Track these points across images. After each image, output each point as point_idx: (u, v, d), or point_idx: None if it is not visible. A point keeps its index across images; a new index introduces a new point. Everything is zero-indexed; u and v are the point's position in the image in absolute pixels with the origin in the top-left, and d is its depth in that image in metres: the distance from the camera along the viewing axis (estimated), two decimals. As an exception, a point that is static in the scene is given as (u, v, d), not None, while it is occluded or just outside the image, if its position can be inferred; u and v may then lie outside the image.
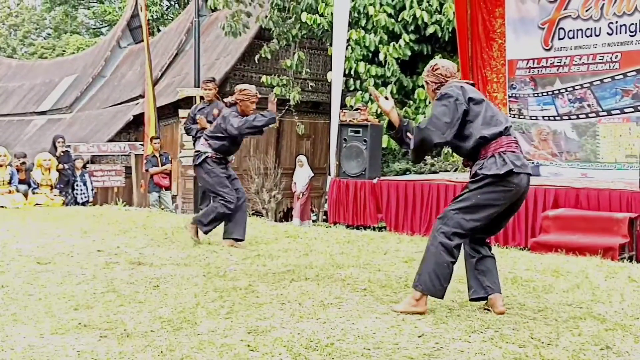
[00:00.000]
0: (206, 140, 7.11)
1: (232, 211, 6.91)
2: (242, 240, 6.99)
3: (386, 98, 4.55)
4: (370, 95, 14.99)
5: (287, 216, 20.11)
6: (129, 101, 23.35)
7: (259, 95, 7.12)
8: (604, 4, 10.17)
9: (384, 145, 13.90)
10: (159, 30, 31.12)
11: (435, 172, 13.83)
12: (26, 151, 15.47)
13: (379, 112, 14.16)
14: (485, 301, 4.36)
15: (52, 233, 7.63)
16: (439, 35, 14.42)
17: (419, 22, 14.32)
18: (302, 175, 17.26)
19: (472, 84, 4.55)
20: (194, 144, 10.28)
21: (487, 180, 4.18)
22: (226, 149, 7.08)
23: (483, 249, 4.44)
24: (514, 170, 4.16)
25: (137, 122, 21.97)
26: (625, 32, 9.98)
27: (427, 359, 3.38)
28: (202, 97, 10.57)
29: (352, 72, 14.98)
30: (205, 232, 7.01)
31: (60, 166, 13.26)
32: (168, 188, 14.63)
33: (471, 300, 4.42)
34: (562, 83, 10.67)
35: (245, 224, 7.08)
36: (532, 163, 10.70)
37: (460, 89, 4.30)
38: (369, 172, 10.71)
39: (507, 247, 7.89)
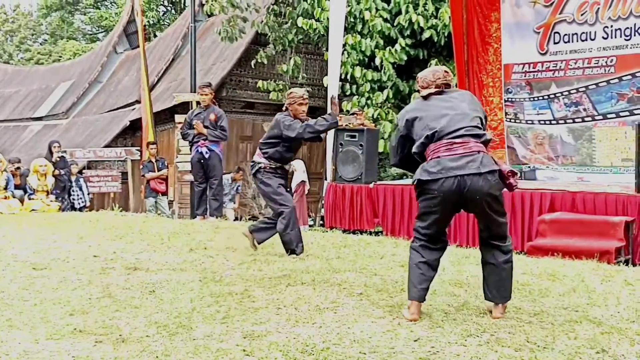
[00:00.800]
0: (260, 149, 6.81)
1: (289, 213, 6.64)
2: (256, 245, 6.83)
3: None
4: (367, 100, 15.01)
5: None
6: (126, 107, 23.35)
7: (306, 97, 6.76)
8: (599, 8, 10.19)
9: (381, 149, 13.89)
10: (155, 36, 31.13)
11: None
12: (22, 157, 15.50)
13: (375, 116, 14.18)
14: None
15: (48, 239, 7.61)
16: (435, 39, 14.42)
17: (415, 27, 14.32)
18: (293, 179, 17.36)
19: (441, 92, 4.49)
20: (190, 149, 10.30)
21: (418, 190, 4.31)
22: (280, 156, 6.76)
23: (487, 254, 4.38)
24: (422, 178, 4.21)
25: (134, 127, 21.97)
26: (621, 36, 10.00)
27: (423, 363, 3.38)
28: (198, 102, 10.57)
29: (348, 77, 14.97)
30: (292, 253, 6.64)
31: (57, 172, 13.26)
32: (165, 193, 14.64)
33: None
34: (558, 87, 10.68)
35: (271, 235, 6.82)
36: (529, 167, 10.72)
37: (407, 111, 4.50)
38: (366, 177, 10.70)
39: (503, 251, 7.88)
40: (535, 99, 10.99)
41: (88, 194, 14.72)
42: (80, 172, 15.64)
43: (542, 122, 10.92)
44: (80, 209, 13.71)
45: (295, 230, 6.67)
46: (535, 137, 11.06)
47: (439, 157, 4.20)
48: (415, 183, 4.29)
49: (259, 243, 6.84)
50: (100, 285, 5.13)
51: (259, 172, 6.75)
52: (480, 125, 4.33)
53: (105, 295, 4.81)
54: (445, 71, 4.60)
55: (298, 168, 17.52)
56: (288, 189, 6.92)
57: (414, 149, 4.37)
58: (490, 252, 4.36)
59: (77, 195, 14.37)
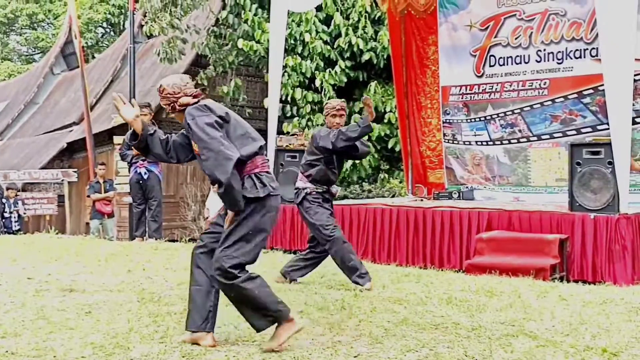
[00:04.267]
0: (302, 173, 6.41)
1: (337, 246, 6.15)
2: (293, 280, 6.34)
3: (132, 105, 4.31)
4: (307, 121, 15.06)
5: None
6: (63, 128, 22.91)
7: (340, 107, 6.36)
8: (532, 32, 10.45)
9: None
10: (93, 57, 30.75)
11: (371, 197, 13.93)
12: (-45, 179, 15.07)
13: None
14: None
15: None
16: (375, 62, 14.61)
17: (355, 49, 14.49)
18: (217, 200, 17.46)
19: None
20: (129, 170, 10.16)
21: (252, 205, 3.98)
22: (324, 176, 6.31)
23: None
24: (271, 193, 4.03)
25: (71, 149, 21.56)
26: (553, 60, 10.26)
27: (363, 378, 3.38)
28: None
29: (289, 99, 15.04)
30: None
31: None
32: (111, 215, 14.40)
33: None
34: (494, 109, 10.89)
35: (310, 272, 6.50)
36: (466, 187, 10.88)
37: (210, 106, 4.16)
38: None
39: (442, 270, 7.99)
40: (472, 120, 11.18)
41: (23, 216, 14.34)
42: (15, 194, 15.28)
43: (479, 142, 11.12)
44: (15, 232, 13.37)
45: (352, 259, 6.16)
46: (472, 157, 11.24)
47: (268, 172, 4.14)
48: (263, 196, 4.00)
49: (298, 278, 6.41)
50: (35, 307, 5.00)
51: (305, 200, 6.30)
52: None
53: (39, 317, 4.69)
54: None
55: None
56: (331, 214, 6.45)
57: (245, 155, 4.01)
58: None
59: (13, 217, 14.03)
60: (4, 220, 13.77)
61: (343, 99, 6.55)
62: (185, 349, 3.88)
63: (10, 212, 14.19)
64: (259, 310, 3.95)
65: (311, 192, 6.30)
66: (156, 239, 9.73)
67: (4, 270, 6.68)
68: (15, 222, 14.10)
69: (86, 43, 31.76)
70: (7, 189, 14.30)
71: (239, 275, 3.89)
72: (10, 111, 25.99)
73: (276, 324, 3.96)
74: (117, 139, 14.14)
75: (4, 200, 14.07)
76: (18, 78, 30.29)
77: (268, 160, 4.18)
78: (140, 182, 9.82)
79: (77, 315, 4.78)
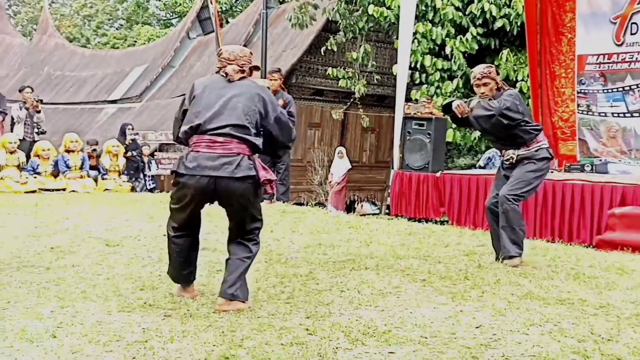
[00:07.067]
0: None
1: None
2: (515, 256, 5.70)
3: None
4: (436, 89, 14.92)
5: (349, 207, 20.21)
6: (197, 91, 23.62)
7: (479, 76, 5.72)
8: (680, -3, 9.91)
9: (449, 139, 13.82)
10: (227, 22, 31.46)
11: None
12: (97, 138, 15.93)
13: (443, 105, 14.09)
14: None
15: (120, 217, 7.85)
16: (507, 29, 14.24)
17: (487, 16, 14.16)
18: (340, 166, 17.88)
19: (227, 74, 4.33)
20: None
21: (175, 179, 4.18)
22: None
23: (235, 250, 4.20)
24: (178, 171, 4.09)
25: (204, 112, 22.27)
26: (701, 27, 9.71)
27: (484, 349, 3.39)
28: (268, 88, 10.67)
29: (418, 66, 14.90)
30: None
31: (129, 153, 13.59)
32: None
33: None
34: (634, 79, 10.43)
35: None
36: (600, 160, 10.50)
37: (198, 85, 4.37)
38: (432, 166, 10.67)
39: (571, 244, 7.77)
40: (609, 90, 10.75)
41: (152, 176, 14.94)
42: (152, 154, 15.98)
43: (616, 114, 10.68)
44: (152, 190, 14.03)
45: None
46: (608, 129, 10.83)
47: (198, 151, 4.10)
48: (172, 172, 4.20)
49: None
50: (170, 263, 5.27)
51: None
52: (246, 124, 4.14)
53: (174, 273, 4.94)
54: (251, 53, 4.43)
55: (344, 154, 17.97)
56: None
57: (180, 134, 4.27)
58: (238, 248, 4.20)
59: (149, 176, 14.71)
60: (144, 178, 14.45)
61: (488, 65, 5.98)
62: (309, 310, 4.01)
63: (150, 171, 14.85)
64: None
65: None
66: (284, 202, 9.95)
67: (142, 227, 7.07)
68: (150, 180, 14.76)
69: (221, 8, 32.51)
70: (142, 146, 14.93)
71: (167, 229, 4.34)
72: (149, 74, 27.03)
73: None
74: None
75: (144, 159, 14.75)
76: (156, 42, 31.41)
77: (210, 139, 4.11)
78: (270, 146, 10.03)
79: (209, 272, 5.00)
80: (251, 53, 4.44)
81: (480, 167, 13.03)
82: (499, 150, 6.23)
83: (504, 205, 5.64)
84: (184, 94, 4.47)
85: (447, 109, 5.87)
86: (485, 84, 5.76)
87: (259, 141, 4.20)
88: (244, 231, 4.19)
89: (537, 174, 5.74)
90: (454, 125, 13.48)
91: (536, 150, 5.72)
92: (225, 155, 4.06)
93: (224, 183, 4.04)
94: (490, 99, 5.70)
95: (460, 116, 5.76)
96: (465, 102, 5.84)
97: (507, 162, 5.86)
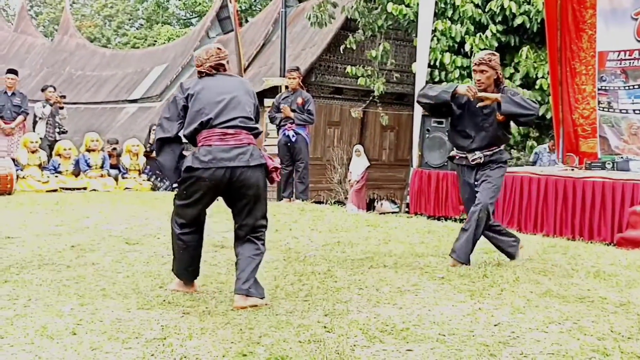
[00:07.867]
0: None
1: None
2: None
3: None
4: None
5: (369, 206, 20.19)
6: (217, 90, 23.71)
7: (482, 60, 5.40)
8: (701, -7, 9.80)
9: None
10: (247, 21, 31.56)
11: (519, 165, 13.63)
12: (117, 137, 16.03)
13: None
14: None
15: (140, 216, 7.90)
16: (527, 26, 14.14)
17: (507, 13, 14.07)
18: (359, 164, 17.90)
19: (214, 74, 4.46)
20: (277, 132, 10.44)
21: (184, 175, 4.23)
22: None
23: (244, 248, 4.29)
24: (193, 166, 4.15)
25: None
26: None
27: (502, 347, 3.38)
28: (286, 87, 10.69)
29: (437, 63, 14.83)
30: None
31: (154, 153, 13.69)
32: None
33: None
34: (655, 76, 10.34)
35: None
36: (621, 158, 10.41)
37: (190, 86, 4.38)
38: (452, 164, 10.62)
39: (591, 242, 7.72)
40: (631, 87, 10.65)
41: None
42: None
43: (637, 111, 10.59)
44: (172, 189, 14.10)
45: None
46: (629, 127, 10.73)
47: (210, 145, 4.18)
48: (184, 169, 4.22)
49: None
50: (189, 261, 5.29)
51: None
52: (251, 116, 4.34)
53: (193, 270, 4.96)
54: (219, 48, 4.49)
55: (362, 152, 18.00)
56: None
57: (185, 132, 4.32)
58: (247, 246, 4.28)
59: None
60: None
61: (491, 52, 5.61)
62: (327, 307, 4.01)
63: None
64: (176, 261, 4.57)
65: None
66: (303, 200, 9.97)
67: (162, 225, 7.10)
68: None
69: (240, 7, 32.61)
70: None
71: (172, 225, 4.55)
72: (169, 73, 27.15)
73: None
74: (267, 102, 14.55)
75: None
76: (176, 41, 31.54)
77: (221, 132, 4.21)
78: (288, 144, 10.05)
79: (228, 270, 5.03)
80: (219, 49, 4.54)
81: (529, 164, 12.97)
82: (463, 150, 5.72)
83: (482, 212, 5.38)
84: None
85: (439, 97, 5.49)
86: (482, 71, 5.41)
87: (259, 131, 4.39)
88: (253, 227, 4.27)
89: (503, 177, 5.67)
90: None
91: (501, 153, 5.61)
92: (237, 146, 4.20)
93: (239, 172, 4.16)
94: (484, 90, 5.41)
95: (472, 99, 5.44)
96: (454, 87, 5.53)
97: (474, 163, 5.61)
